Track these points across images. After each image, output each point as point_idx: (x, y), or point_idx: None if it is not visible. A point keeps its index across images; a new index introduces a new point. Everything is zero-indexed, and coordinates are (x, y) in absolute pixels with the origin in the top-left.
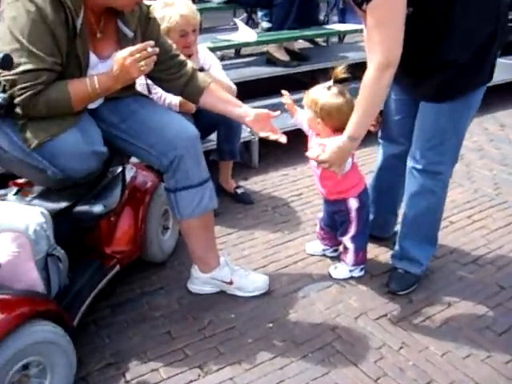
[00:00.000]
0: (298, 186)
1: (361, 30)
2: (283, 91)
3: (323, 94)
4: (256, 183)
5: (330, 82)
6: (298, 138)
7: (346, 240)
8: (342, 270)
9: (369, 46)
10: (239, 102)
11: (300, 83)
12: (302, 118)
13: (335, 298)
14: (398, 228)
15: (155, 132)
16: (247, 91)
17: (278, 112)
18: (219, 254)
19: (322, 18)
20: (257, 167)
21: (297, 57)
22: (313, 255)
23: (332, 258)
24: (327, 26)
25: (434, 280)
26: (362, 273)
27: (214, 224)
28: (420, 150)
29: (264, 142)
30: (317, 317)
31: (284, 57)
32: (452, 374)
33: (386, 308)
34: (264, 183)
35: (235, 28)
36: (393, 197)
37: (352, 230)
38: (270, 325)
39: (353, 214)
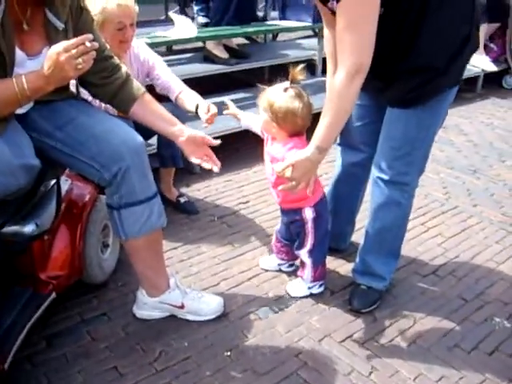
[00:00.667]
0: (244, 193)
1: (305, 28)
2: (227, 101)
3: (279, 96)
4: (199, 190)
5: (287, 84)
6: (239, 142)
7: (303, 254)
8: (299, 287)
9: (339, 47)
10: (174, 120)
11: (239, 81)
12: (250, 121)
13: (296, 318)
14: (353, 239)
15: (97, 141)
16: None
17: (219, 141)
18: (169, 276)
19: (258, 13)
20: (198, 172)
21: (236, 54)
22: (267, 270)
23: (288, 274)
24: (268, 23)
25: (395, 294)
26: (321, 289)
27: (162, 243)
28: (387, 159)
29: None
30: (278, 341)
31: (223, 54)
32: None
33: (350, 328)
34: (207, 190)
35: (165, 21)
36: (351, 206)
37: (308, 243)
38: (228, 353)
39: (309, 225)
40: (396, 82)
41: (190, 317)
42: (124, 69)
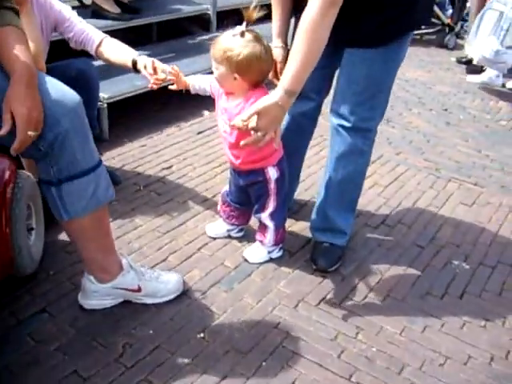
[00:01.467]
0: (164, 158)
1: None
2: (173, 67)
3: (237, 42)
4: (113, 158)
5: (242, 27)
6: (145, 104)
7: (265, 217)
8: (259, 252)
9: None
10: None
11: (136, 40)
12: (201, 83)
13: (262, 286)
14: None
15: None
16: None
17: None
18: (119, 256)
19: None
20: (108, 139)
21: (128, 9)
22: (215, 238)
23: (239, 240)
24: None
25: (354, 248)
26: (280, 253)
27: (109, 219)
28: (348, 104)
29: (110, 110)
30: (251, 314)
31: (114, 9)
32: (419, 352)
33: (322, 289)
34: (123, 157)
35: None
36: (298, 160)
37: (271, 205)
38: (202, 334)
39: (272, 186)
40: (362, 20)
41: (147, 300)
42: None
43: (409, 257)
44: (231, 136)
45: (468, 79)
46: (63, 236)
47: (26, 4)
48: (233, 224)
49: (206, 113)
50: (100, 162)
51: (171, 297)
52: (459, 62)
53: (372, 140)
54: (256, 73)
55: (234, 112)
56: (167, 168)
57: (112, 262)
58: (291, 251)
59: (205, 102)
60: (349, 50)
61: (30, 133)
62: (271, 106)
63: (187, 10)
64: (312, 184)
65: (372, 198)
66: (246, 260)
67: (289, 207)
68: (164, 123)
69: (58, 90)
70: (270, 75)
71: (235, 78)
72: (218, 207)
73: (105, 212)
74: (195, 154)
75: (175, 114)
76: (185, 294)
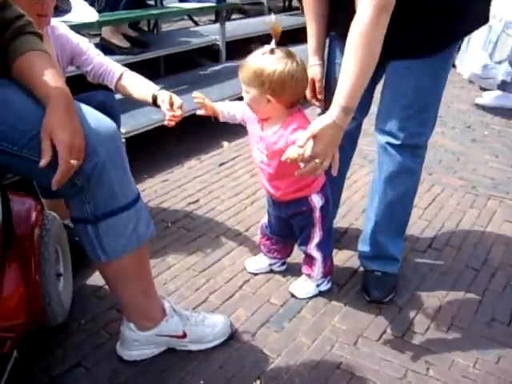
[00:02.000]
0: (189, 192)
1: (210, 8)
2: (195, 93)
3: (267, 60)
4: None
5: (272, 44)
6: (162, 137)
7: (311, 249)
8: (307, 286)
9: None
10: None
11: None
12: (230, 109)
13: (315, 323)
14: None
15: None
16: (83, 84)
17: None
18: (161, 300)
19: None
20: None
21: (137, 43)
22: (256, 274)
23: (283, 274)
24: (171, 5)
25: (405, 276)
26: (329, 285)
27: (149, 258)
28: (396, 120)
29: (128, 145)
30: (309, 354)
31: (123, 43)
32: None
33: (380, 323)
34: (145, 194)
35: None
36: (338, 186)
37: (317, 235)
38: (258, 382)
39: (317, 215)
40: (410, 28)
41: (193, 346)
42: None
43: (464, 281)
44: (270, 167)
45: (477, 101)
46: (91, 281)
47: (42, 36)
48: (275, 258)
49: (226, 144)
50: (139, 194)
51: (219, 341)
52: (470, 81)
53: (422, 158)
54: (291, 92)
55: (272, 140)
56: (194, 202)
57: (154, 306)
58: (339, 283)
59: (223, 132)
60: (393, 63)
61: (72, 162)
62: (328, 126)
63: (196, 41)
64: (348, 210)
65: (413, 220)
66: (293, 295)
67: None
68: (183, 156)
69: (94, 117)
70: (308, 96)
71: (269, 101)
72: (257, 241)
73: (145, 250)
74: (221, 187)
75: (194, 147)
76: (233, 337)
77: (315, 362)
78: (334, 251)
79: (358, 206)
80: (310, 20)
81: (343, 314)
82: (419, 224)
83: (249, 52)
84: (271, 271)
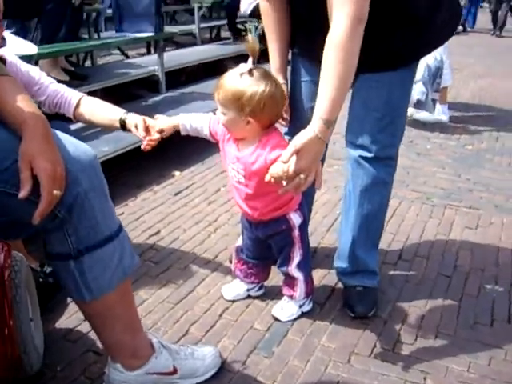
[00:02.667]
0: (148, 224)
1: (148, 38)
2: (156, 116)
3: (247, 82)
4: None
5: (248, 64)
6: (111, 169)
7: (292, 269)
8: (290, 308)
9: None
10: None
11: None
12: (196, 123)
13: (305, 345)
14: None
15: None
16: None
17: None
18: (148, 335)
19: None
20: None
21: (75, 76)
22: (234, 301)
23: (262, 298)
24: (110, 35)
25: (382, 289)
26: (311, 305)
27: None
28: (368, 133)
29: None
30: (305, 377)
31: (62, 76)
32: None
33: (369, 338)
34: None
35: None
36: (310, 202)
37: (298, 255)
38: None
39: (296, 233)
40: (378, 41)
41: (185, 382)
42: None
43: (440, 289)
44: (248, 187)
45: (415, 117)
46: (60, 324)
47: (5, 60)
48: (252, 282)
49: (177, 173)
50: (121, 224)
51: (211, 374)
52: None
53: (394, 168)
54: (271, 114)
55: (250, 160)
56: (155, 234)
57: (142, 342)
58: (319, 302)
59: (173, 162)
60: (363, 76)
61: (55, 192)
62: (311, 140)
63: (135, 73)
64: (314, 229)
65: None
66: (276, 319)
67: None
68: (136, 188)
69: (71, 143)
70: None
71: (248, 122)
72: (232, 267)
73: (129, 284)
74: (180, 216)
75: (145, 178)
76: (223, 367)
77: None
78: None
79: (323, 224)
80: (272, 39)
81: (330, 332)
82: (385, 237)
83: (187, 82)
84: (249, 296)
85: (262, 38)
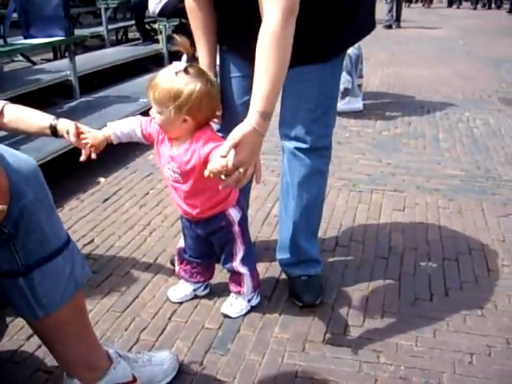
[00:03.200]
0: (80, 233)
1: (60, 42)
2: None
3: (183, 80)
4: None
5: (183, 62)
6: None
7: (237, 265)
8: (239, 304)
9: None
10: None
11: None
12: (126, 128)
13: (258, 340)
14: None
15: None
16: None
17: None
18: (104, 346)
19: None
20: None
21: None
22: (182, 302)
23: (208, 296)
24: (14, 42)
25: (324, 276)
26: (259, 298)
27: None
28: (302, 125)
29: None
30: (264, 370)
31: None
32: (444, 357)
33: (319, 324)
34: None
35: None
36: (246, 195)
37: (240, 250)
38: None
39: (236, 229)
40: (306, 33)
41: None
42: None
43: (379, 270)
44: (185, 185)
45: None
46: (2, 346)
47: None
48: (198, 282)
49: (102, 179)
50: (69, 235)
51: (170, 378)
52: None
53: (329, 158)
54: (208, 111)
55: (185, 159)
56: (89, 243)
57: (99, 354)
58: (266, 295)
59: (96, 168)
60: (293, 68)
61: (0, 207)
62: (249, 133)
63: (47, 78)
64: (250, 224)
65: None
66: (226, 316)
67: None
68: (60, 198)
69: (10, 153)
70: None
71: (185, 121)
72: (176, 268)
73: (82, 296)
74: (113, 222)
75: (68, 187)
76: (181, 370)
77: (273, 377)
78: None
79: (257, 219)
80: (200, 36)
81: (281, 323)
82: (321, 225)
83: (99, 86)
84: (196, 296)
85: (172, 37)
